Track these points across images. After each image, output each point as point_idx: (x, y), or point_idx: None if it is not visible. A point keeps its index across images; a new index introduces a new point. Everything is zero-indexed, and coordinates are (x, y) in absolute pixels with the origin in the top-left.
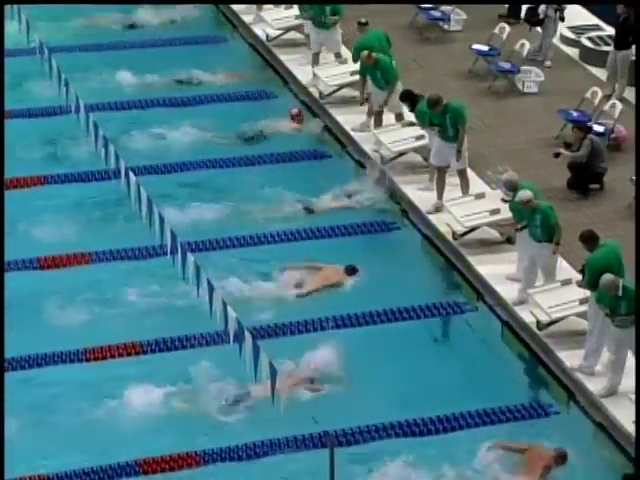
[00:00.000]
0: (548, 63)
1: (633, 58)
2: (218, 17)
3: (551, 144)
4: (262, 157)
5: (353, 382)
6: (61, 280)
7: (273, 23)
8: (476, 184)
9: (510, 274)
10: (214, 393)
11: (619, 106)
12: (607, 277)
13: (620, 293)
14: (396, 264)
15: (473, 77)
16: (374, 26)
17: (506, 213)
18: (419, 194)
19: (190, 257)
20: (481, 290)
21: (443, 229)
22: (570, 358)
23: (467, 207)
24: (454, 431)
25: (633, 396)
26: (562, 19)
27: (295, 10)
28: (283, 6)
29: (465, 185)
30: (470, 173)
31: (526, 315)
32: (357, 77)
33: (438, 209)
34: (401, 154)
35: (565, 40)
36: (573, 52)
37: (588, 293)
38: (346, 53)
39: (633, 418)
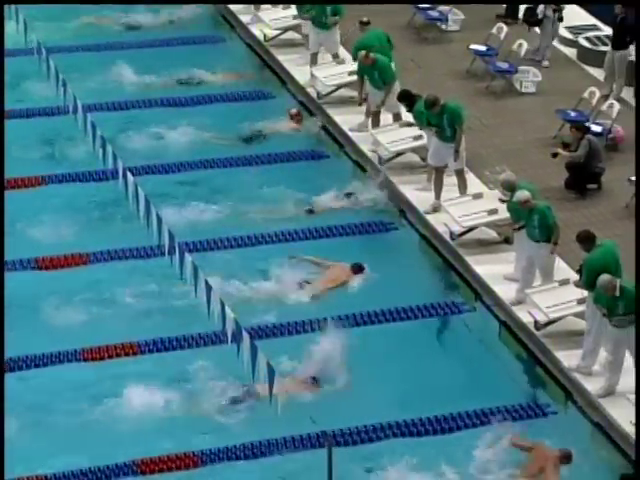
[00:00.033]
0: (546, 63)
1: (630, 58)
2: (216, 17)
3: (549, 144)
4: (260, 157)
5: (351, 382)
6: (59, 280)
7: (271, 23)
8: (474, 184)
9: (508, 274)
10: (212, 393)
11: (617, 106)
12: (605, 277)
13: (618, 293)
14: (394, 264)
15: (471, 77)
16: (372, 26)
17: (504, 213)
18: (417, 194)
19: (188, 257)
20: (479, 290)
21: (441, 229)
22: (568, 358)
23: (465, 207)
24: (452, 431)
25: (631, 396)
26: (561, 19)
27: (293, 10)
28: (281, 6)
29: (463, 185)
30: (468, 173)
31: (524, 315)
32: (355, 77)
33: (436, 209)
34: (399, 154)
35: (563, 40)
36: (571, 52)
37: (586, 293)
38: (344, 53)
39: (631, 418)
